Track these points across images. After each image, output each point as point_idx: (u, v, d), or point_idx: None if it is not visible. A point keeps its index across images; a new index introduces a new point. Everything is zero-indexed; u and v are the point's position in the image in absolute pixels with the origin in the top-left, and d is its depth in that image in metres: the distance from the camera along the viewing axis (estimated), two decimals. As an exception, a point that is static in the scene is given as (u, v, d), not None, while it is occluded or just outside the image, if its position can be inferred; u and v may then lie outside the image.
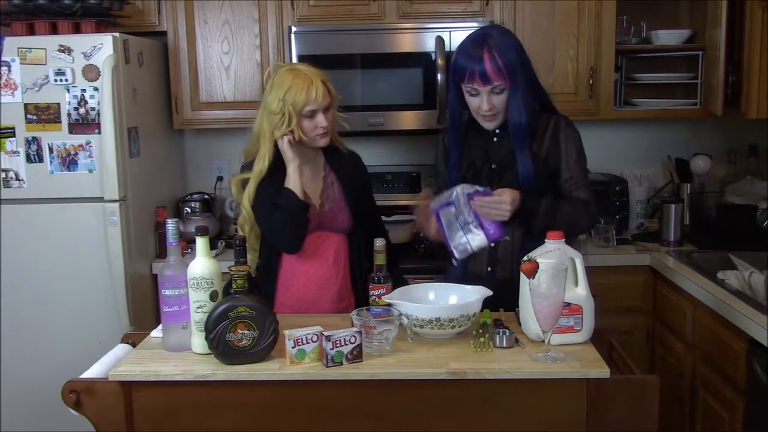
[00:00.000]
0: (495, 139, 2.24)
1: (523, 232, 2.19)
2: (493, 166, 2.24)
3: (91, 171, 2.88)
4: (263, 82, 2.37)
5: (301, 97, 2.17)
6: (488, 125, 2.21)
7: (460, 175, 2.25)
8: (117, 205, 2.86)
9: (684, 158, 3.44)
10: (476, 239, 2.12)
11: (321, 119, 2.22)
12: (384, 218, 2.60)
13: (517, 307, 1.99)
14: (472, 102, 2.17)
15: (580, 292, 1.91)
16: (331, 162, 2.37)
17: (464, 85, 2.15)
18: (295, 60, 3.09)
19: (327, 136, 2.27)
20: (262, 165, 2.24)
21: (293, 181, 2.22)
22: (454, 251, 2.15)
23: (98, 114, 2.83)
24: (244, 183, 2.28)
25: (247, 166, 2.30)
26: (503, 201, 2.06)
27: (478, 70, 2.08)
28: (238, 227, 2.33)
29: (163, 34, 3.27)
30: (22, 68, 2.82)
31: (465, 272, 2.26)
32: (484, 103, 2.13)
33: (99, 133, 2.84)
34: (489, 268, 2.25)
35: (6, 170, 2.88)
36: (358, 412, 1.82)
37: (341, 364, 1.79)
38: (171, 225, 1.89)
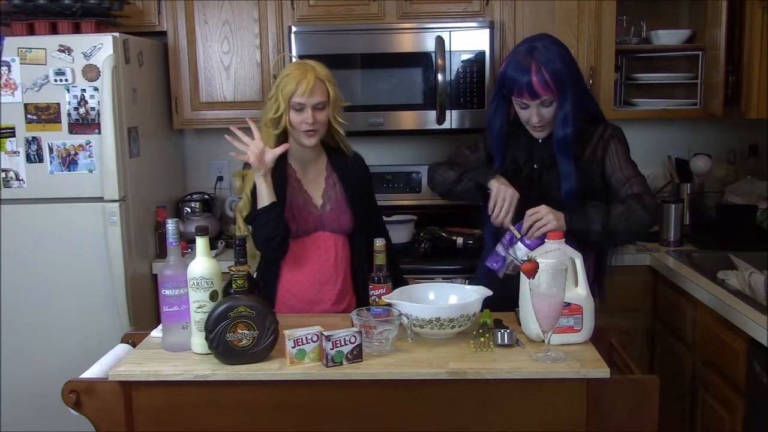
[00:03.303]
0: (540, 140, 2.25)
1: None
2: (535, 166, 2.26)
3: (91, 171, 2.88)
4: (268, 79, 2.36)
5: (290, 87, 2.16)
6: (538, 134, 2.23)
7: (500, 171, 2.24)
8: (117, 205, 2.86)
9: (684, 158, 3.44)
10: (520, 251, 2.10)
11: (308, 116, 2.17)
12: (384, 218, 2.60)
13: (517, 307, 2.00)
14: (522, 114, 2.20)
15: (580, 292, 1.92)
16: (334, 163, 2.36)
17: (514, 98, 2.18)
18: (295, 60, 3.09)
19: (314, 137, 2.21)
20: None
21: (263, 193, 2.16)
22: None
23: (98, 114, 2.83)
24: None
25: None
26: (538, 211, 2.05)
27: (525, 85, 2.10)
28: (236, 212, 2.30)
29: (163, 34, 3.27)
30: (22, 68, 2.82)
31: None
32: (533, 116, 2.16)
33: (99, 133, 2.84)
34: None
35: (6, 170, 2.88)
36: (358, 412, 1.82)
37: (341, 364, 1.79)
38: (171, 225, 1.89)
